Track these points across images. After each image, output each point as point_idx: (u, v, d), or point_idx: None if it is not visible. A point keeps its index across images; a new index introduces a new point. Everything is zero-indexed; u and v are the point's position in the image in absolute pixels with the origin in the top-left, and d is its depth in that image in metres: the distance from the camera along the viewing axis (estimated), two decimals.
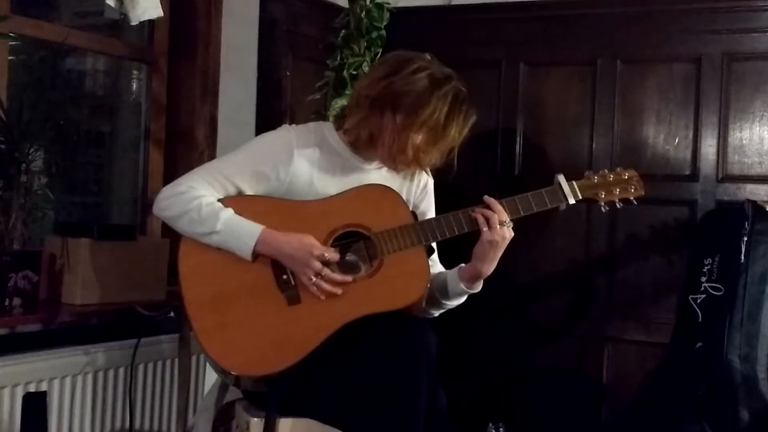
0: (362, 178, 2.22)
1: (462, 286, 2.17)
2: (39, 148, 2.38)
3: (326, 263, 2.05)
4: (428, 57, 2.19)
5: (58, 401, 2.40)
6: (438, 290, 2.21)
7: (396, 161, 2.17)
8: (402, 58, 2.18)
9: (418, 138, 2.11)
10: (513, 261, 2.32)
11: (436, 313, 2.26)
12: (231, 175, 2.14)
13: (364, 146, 2.19)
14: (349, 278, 2.07)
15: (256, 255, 2.07)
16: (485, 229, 2.10)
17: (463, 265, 2.19)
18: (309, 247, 2.05)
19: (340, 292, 2.05)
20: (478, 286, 2.20)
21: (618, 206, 2.28)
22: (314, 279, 2.04)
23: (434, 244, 2.25)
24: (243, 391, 2.21)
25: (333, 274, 2.05)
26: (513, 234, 2.13)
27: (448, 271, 2.24)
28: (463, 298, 2.23)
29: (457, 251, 2.26)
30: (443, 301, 2.23)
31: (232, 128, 3.15)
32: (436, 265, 2.29)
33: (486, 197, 2.15)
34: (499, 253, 2.13)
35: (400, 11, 3.23)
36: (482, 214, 2.11)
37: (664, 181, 3.12)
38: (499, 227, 2.10)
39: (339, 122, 2.25)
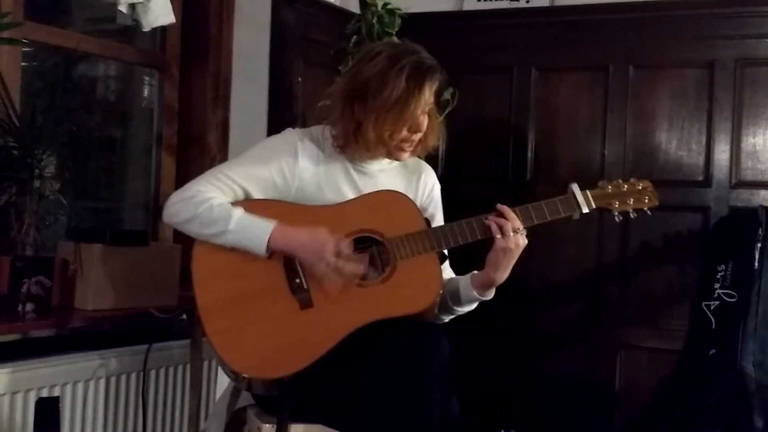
0: (368, 181, 2.22)
1: (474, 293, 2.17)
2: (51, 154, 2.39)
3: (342, 251, 2.04)
4: (396, 41, 2.18)
5: (70, 406, 2.41)
6: (450, 296, 2.20)
7: (389, 151, 2.17)
8: (365, 49, 2.24)
9: (388, 122, 2.10)
10: (525, 268, 2.31)
11: (447, 319, 2.26)
12: (238, 179, 2.14)
13: (352, 146, 2.18)
14: (362, 267, 2.06)
15: (271, 252, 2.07)
16: (498, 236, 2.10)
17: (475, 272, 2.18)
18: (324, 235, 2.05)
19: (357, 278, 2.04)
20: (491, 294, 2.19)
21: (632, 216, 2.27)
22: (332, 262, 2.01)
23: (446, 251, 2.25)
24: (254, 396, 2.21)
25: (348, 262, 2.04)
26: (526, 242, 2.13)
27: (460, 277, 2.23)
28: (475, 305, 2.23)
29: (469, 257, 2.25)
30: (455, 307, 2.22)
31: (244, 134, 3.16)
32: (447, 271, 2.29)
33: (499, 205, 2.14)
34: (513, 261, 2.12)
35: (411, 17, 3.23)
36: (495, 222, 2.11)
37: (677, 187, 3.11)
38: (513, 235, 2.09)
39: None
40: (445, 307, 2.21)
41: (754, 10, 3.06)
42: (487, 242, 2.13)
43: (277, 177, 2.16)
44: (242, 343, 2.05)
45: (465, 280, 2.19)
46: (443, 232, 2.12)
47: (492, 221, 2.11)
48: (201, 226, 2.09)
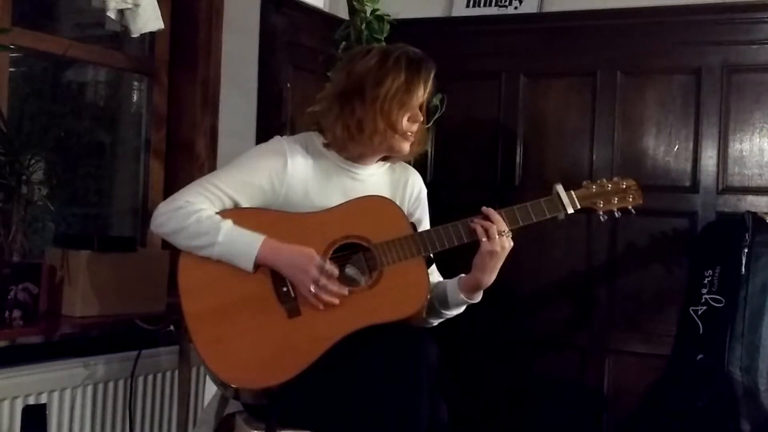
0: (357, 186, 2.23)
1: (462, 296, 2.17)
2: (39, 160, 2.38)
3: (325, 274, 2.05)
4: (383, 44, 2.21)
5: (57, 413, 2.40)
6: (438, 300, 2.21)
7: (392, 144, 2.18)
8: (354, 51, 2.30)
9: (392, 111, 2.13)
10: (513, 272, 2.32)
11: (435, 323, 2.26)
12: (226, 188, 2.14)
13: (350, 146, 2.19)
14: (345, 291, 2.06)
15: (257, 266, 2.07)
16: (484, 239, 2.10)
17: (462, 275, 2.19)
18: (309, 256, 2.05)
19: (338, 302, 2.05)
20: (478, 297, 2.20)
21: (617, 215, 2.28)
22: (313, 289, 2.03)
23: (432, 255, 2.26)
24: (243, 403, 2.20)
25: (331, 285, 2.05)
26: (512, 244, 2.13)
27: (447, 281, 2.24)
28: (463, 308, 2.23)
29: (457, 260, 2.25)
30: (442, 311, 2.23)
31: (233, 140, 3.16)
32: (434, 275, 2.29)
33: (484, 208, 2.15)
34: (499, 264, 2.13)
35: (400, 23, 3.24)
36: (481, 225, 2.11)
37: (665, 192, 3.12)
38: (499, 237, 2.10)
39: (323, 134, 2.25)
40: (433, 310, 2.22)
41: (741, 17, 3.08)
42: (475, 245, 2.13)
43: (266, 185, 2.16)
44: (230, 352, 2.04)
45: (453, 284, 2.20)
46: (429, 237, 2.13)
47: (477, 224, 2.12)
48: (189, 238, 2.08)
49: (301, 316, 2.06)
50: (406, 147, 2.22)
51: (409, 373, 1.94)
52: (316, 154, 2.22)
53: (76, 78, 3.13)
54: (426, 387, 1.95)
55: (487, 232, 2.11)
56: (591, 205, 2.23)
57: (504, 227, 2.12)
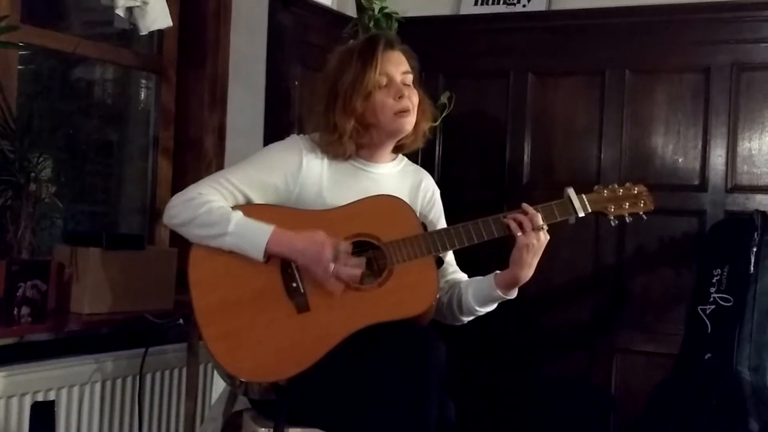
0: (370, 185, 2.22)
1: (498, 292, 2.16)
2: (48, 157, 2.38)
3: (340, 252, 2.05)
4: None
5: (66, 410, 2.40)
6: (473, 297, 2.20)
7: (387, 128, 2.18)
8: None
9: (358, 96, 2.14)
10: None
11: (466, 320, 2.27)
12: (240, 184, 2.14)
13: (349, 142, 2.18)
14: (361, 268, 2.05)
15: (268, 256, 2.07)
16: (519, 234, 2.10)
17: (498, 272, 2.18)
18: (321, 239, 2.05)
19: (359, 273, 2.04)
20: (514, 293, 2.20)
21: (627, 221, 2.27)
22: (332, 268, 2.02)
23: (451, 254, 2.27)
24: (251, 400, 2.21)
25: (349, 259, 2.05)
26: (548, 238, 2.13)
27: (481, 278, 2.23)
28: (494, 306, 2.23)
29: (477, 262, 2.25)
30: (476, 308, 2.21)
31: (241, 137, 3.16)
32: (457, 273, 2.31)
33: (524, 204, 2.15)
34: (537, 258, 2.13)
35: (408, 21, 3.24)
36: (514, 219, 2.12)
37: (673, 191, 3.12)
38: (535, 231, 2.10)
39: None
40: (464, 308, 2.22)
41: (749, 15, 3.08)
42: (488, 246, 2.13)
43: (280, 183, 2.17)
44: (239, 347, 2.04)
45: (488, 280, 2.19)
46: (440, 236, 2.13)
47: (510, 219, 2.12)
48: (200, 228, 2.09)
49: (309, 311, 2.06)
50: (407, 123, 2.19)
51: (418, 371, 1.94)
52: (330, 154, 2.22)
53: (85, 76, 3.13)
54: (434, 386, 1.95)
55: (521, 225, 2.11)
56: (602, 210, 2.24)
57: (539, 222, 2.12)
